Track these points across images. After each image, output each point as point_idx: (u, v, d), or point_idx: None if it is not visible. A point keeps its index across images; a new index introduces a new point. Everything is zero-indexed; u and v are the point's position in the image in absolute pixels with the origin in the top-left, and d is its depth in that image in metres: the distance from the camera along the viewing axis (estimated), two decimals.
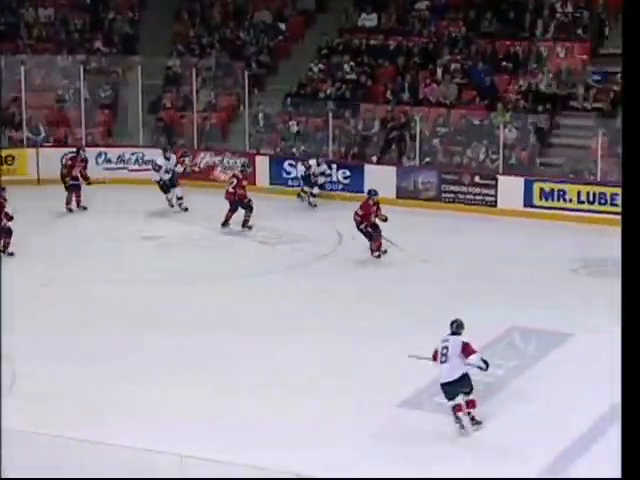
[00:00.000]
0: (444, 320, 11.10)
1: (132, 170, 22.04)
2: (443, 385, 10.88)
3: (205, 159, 22.01)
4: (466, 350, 10.74)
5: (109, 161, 22.06)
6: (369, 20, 23.86)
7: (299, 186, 20.91)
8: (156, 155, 21.79)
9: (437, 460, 10.21)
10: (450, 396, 10.86)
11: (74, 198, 19.68)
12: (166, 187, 19.97)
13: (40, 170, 21.55)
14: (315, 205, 20.43)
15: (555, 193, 19.57)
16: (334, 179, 21.07)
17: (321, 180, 20.68)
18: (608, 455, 9.33)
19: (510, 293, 14.99)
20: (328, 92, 22.62)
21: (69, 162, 20.05)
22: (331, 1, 24.88)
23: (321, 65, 23.25)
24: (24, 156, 21.81)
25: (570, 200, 19.43)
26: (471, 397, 10.89)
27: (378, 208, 16.85)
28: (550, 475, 10.01)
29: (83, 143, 22.06)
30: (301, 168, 20.74)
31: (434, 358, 10.95)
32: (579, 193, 19.41)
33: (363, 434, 10.73)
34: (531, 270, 16.07)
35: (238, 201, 18.51)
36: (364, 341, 13.12)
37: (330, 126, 21.57)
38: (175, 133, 22.86)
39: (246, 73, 22.29)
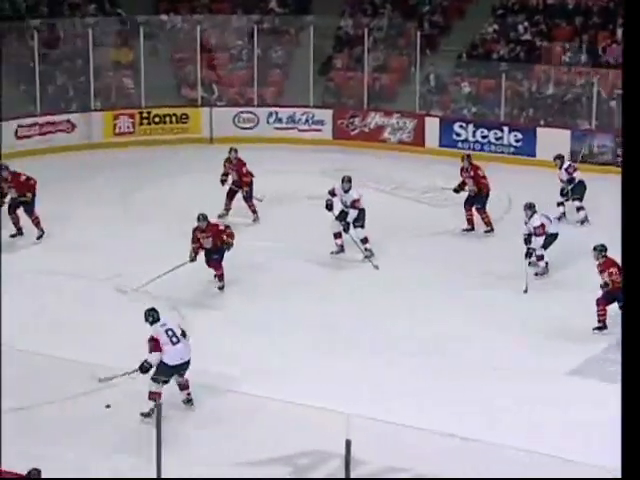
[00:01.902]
0: None
1: (302, 130, 22.15)
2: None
3: (374, 120, 21.89)
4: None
5: (279, 120, 22.21)
6: None
7: (469, 149, 20.23)
8: (326, 115, 21.97)
9: None
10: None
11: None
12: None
13: (213, 129, 21.94)
14: (373, 263, 14.95)
15: None
16: (505, 142, 20.61)
17: (352, 215, 15.09)
18: None
19: None
20: (501, 53, 22.10)
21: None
22: None
23: (495, 25, 22.71)
24: (198, 115, 22.21)
25: None
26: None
27: None
28: None
29: (255, 103, 22.40)
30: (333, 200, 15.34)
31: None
32: None
33: None
34: None
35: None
36: None
37: (503, 88, 21.07)
38: (345, 93, 22.85)
39: (418, 33, 22.00)
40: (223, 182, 16.55)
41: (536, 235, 14.29)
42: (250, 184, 16.55)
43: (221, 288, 13.96)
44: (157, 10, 24.17)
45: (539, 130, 20.36)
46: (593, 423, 10.23)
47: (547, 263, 14.43)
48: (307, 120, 22.18)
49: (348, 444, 7.43)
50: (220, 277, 13.96)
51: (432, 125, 21.39)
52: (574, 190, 16.75)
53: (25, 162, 19.20)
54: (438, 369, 11.65)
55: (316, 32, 22.31)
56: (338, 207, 15.17)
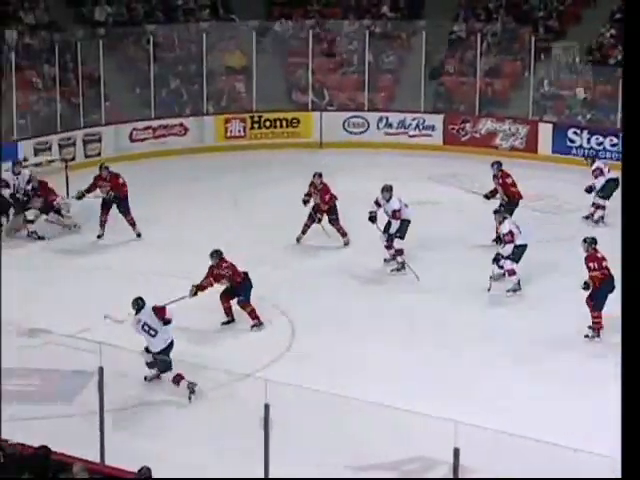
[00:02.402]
0: None
1: (412, 135, 22.01)
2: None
3: (486, 126, 21.61)
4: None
5: (390, 125, 22.12)
6: None
7: (583, 155, 19.74)
8: (437, 121, 21.81)
9: None
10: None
11: None
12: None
13: (323, 134, 21.96)
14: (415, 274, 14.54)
15: None
16: (621, 149, 20.10)
17: (394, 227, 14.69)
18: None
19: None
20: (619, 58, 21.59)
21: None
22: None
23: (613, 30, 22.20)
24: (308, 119, 22.28)
25: None
26: None
27: None
28: None
29: (365, 108, 22.35)
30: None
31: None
32: None
33: None
34: None
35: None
36: None
37: (620, 94, 20.57)
38: (456, 99, 22.64)
39: (533, 38, 21.67)
40: (305, 202, 15.84)
41: (505, 242, 13.72)
42: (333, 208, 15.70)
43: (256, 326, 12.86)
44: (270, 15, 24.36)
45: None
46: None
47: (519, 281, 13.79)
48: (417, 125, 22.03)
49: (456, 452, 7.31)
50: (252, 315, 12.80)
51: (545, 131, 21.03)
52: (603, 188, 16.49)
53: (139, 164, 19.63)
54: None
55: (428, 36, 22.16)
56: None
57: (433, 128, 21.80)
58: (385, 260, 14.93)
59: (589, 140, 20.51)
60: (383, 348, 12.18)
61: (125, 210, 16.10)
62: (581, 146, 20.46)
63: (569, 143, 20.70)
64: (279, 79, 23.06)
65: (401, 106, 22.51)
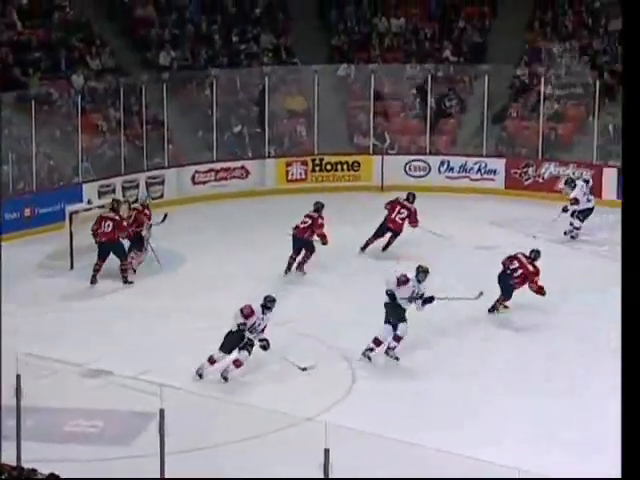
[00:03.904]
0: None
1: (474, 179, 21.89)
2: None
3: (549, 170, 21.41)
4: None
5: (451, 170, 22.03)
6: None
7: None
8: (499, 165, 21.68)
9: None
10: None
11: None
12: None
13: (384, 177, 21.93)
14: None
15: None
16: None
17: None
18: None
19: None
20: None
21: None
22: None
23: None
24: (369, 163, 22.27)
25: None
26: None
27: None
28: None
29: (427, 151, 22.31)
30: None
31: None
32: None
33: None
34: None
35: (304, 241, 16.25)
36: None
37: None
38: (519, 143, 22.49)
39: (597, 82, 21.50)
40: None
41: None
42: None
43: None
44: (332, 59, 24.47)
45: None
46: None
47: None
48: (479, 169, 21.91)
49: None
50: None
51: (610, 176, 20.76)
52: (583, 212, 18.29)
53: (201, 207, 19.74)
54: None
55: (491, 80, 22.08)
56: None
57: (495, 172, 21.66)
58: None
59: None
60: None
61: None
62: None
63: None
64: (341, 122, 23.14)
65: (463, 150, 22.43)
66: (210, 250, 17.41)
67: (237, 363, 12.35)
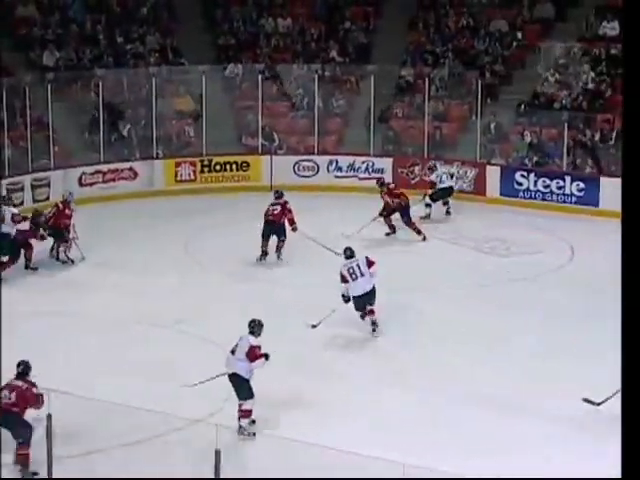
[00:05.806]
0: None
1: (362, 178, 22.16)
2: (357, 297, 13.22)
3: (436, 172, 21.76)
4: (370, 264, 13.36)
5: (340, 169, 22.28)
6: (610, 29, 22.99)
7: (530, 198, 20.44)
8: (386, 164, 21.99)
9: None
10: (359, 307, 13.30)
11: None
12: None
13: (273, 177, 22.02)
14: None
15: None
16: (567, 191, 20.44)
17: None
18: None
19: None
20: (563, 102, 21.98)
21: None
22: (571, 9, 24.15)
23: (557, 75, 22.62)
24: (258, 163, 22.35)
25: None
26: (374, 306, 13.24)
27: None
28: None
29: (315, 151, 22.50)
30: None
31: (344, 280, 13.26)
32: None
33: None
34: None
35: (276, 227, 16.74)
36: None
37: (565, 137, 20.93)
38: (405, 142, 22.86)
39: (479, 82, 22.00)
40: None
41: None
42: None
43: None
44: (219, 59, 24.46)
45: (602, 180, 20.12)
46: None
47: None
48: (367, 168, 22.19)
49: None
50: None
51: (493, 174, 21.29)
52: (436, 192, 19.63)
53: (88, 208, 19.50)
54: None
55: (377, 81, 22.38)
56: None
57: (382, 171, 21.94)
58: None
59: (536, 183, 20.78)
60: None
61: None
62: (528, 189, 20.72)
63: (516, 186, 20.96)
64: (229, 123, 23.15)
65: (350, 149, 22.69)
66: (99, 252, 17.23)
67: None
